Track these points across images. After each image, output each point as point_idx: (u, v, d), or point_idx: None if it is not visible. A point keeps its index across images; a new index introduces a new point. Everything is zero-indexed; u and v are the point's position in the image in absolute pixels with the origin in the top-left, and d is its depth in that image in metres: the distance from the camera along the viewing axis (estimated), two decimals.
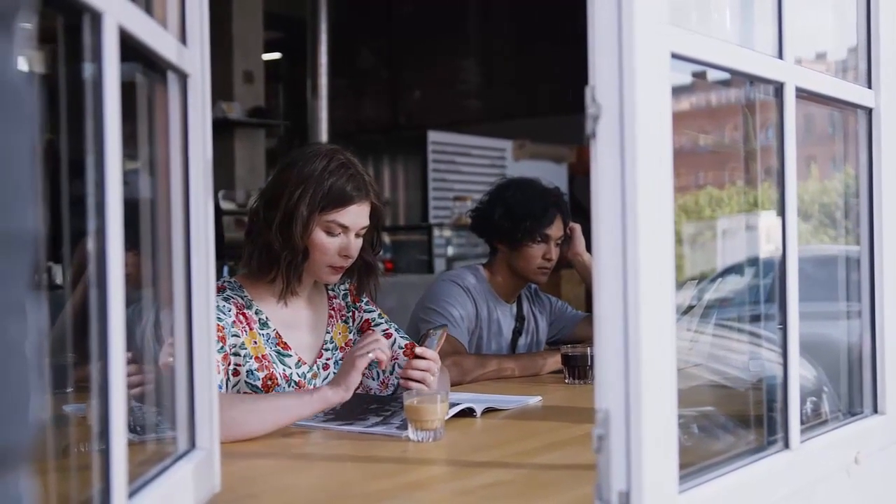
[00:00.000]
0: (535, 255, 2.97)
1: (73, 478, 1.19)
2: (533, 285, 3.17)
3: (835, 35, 2.01)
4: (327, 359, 2.33)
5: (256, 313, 2.23)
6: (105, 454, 0.99)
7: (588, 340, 2.92)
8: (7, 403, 0.55)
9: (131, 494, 1.06)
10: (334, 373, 2.29)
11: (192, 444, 1.36)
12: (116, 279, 1.00)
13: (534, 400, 2.35)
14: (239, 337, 2.15)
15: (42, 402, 0.60)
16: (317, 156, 2.19)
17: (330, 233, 2.19)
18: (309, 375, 2.27)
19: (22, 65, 0.60)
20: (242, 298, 2.22)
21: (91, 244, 0.98)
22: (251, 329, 2.19)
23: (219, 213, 4.04)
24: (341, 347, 2.35)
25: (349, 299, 2.41)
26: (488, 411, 2.19)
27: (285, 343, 2.24)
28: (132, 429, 1.21)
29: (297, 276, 2.22)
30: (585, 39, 1.18)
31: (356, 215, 2.20)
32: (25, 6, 0.61)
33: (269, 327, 2.23)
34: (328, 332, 2.35)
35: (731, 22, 1.71)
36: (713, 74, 1.53)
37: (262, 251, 2.20)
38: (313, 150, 2.23)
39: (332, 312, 2.37)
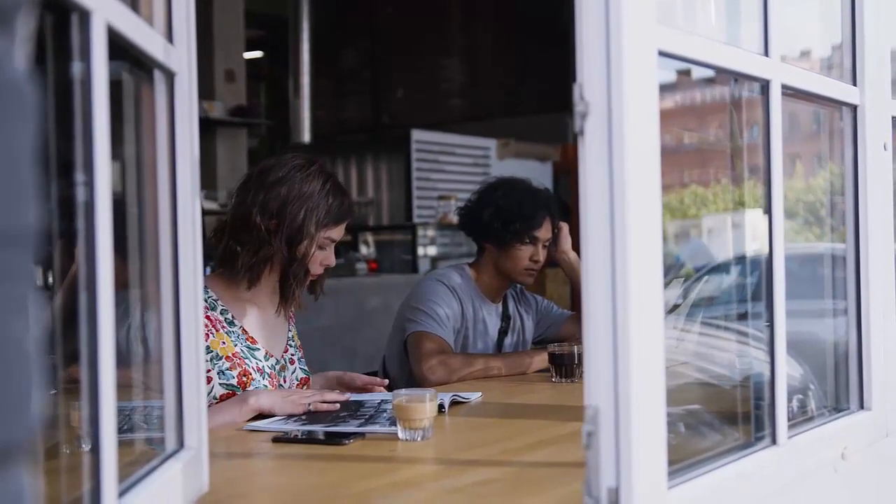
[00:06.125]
0: (523, 256, 2.97)
1: (60, 478, 1.18)
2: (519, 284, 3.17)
3: (819, 32, 2.02)
4: (291, 354, 2.42)
5: (222, 313, 2.27)
6: (95, 454, 0.99)
7: (574, 339, 2.92)
8: (10, 400, 0.55)
9: (121, 494, 1.06)
10: (300, 368, 2.42)
11: (181, 444, 1.35)
12: (105, 279, 0.99)
13: (474, 396, 2.36)
14: (205, 341, 2.17)
15: (44, 399, 0.60)
16: (309, 174, 2.26)
17: (322, 247, 2.29)
18: (278, 368, 2.34)
19: (22, 63, 0.59)
20: (206, 300, 2.24)
21: (80, 245, 0.98)
22: (217, 330, 2.22)
23: (201, 213, 4.04)
24: (299, 346, 2.46)
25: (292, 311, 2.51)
26: (454, 404, 2.23)
27: (252, 338, 2.30)
28: (119, 429, 1.21)
29: (300, 289, 2.31)
30: (568, 38, 1.18)
31: (343, 229, 2.34)
32: (26, 4, 0.61)
33: (235, 325, 2.28)
34: (290, 331, 2.44)
35: (717, 19, 1.71)
36: (697, 72, 1.54)
37: (262, 263, 2.25)
38: (301, 166, 2.28)
39: (291, 313, 2.46)
